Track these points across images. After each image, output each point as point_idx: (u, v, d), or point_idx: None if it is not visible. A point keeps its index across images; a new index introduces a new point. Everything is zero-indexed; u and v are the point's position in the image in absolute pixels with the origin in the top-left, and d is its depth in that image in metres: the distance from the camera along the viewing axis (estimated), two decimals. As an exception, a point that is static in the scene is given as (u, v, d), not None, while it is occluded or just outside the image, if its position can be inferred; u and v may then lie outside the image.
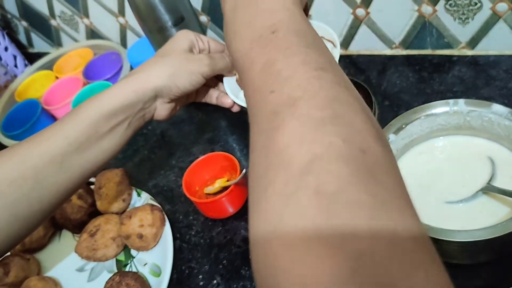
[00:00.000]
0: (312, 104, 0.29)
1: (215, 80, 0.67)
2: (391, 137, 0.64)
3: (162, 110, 0.62)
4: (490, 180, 0.60)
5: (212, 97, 0.69)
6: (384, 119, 0.65)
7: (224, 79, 0.66)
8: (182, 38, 0.62)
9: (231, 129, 0.92)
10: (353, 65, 0.91)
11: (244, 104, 0.62)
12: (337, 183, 0.25)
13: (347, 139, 0.27)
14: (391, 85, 0.85)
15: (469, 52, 0.83)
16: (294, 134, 0.28)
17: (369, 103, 0.74)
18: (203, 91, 0.68)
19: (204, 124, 0.96)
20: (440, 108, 0.65)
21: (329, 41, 0.64)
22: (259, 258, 0.26)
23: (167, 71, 0.58)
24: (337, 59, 0.60)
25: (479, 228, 0.52)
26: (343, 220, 0.24)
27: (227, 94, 0.65)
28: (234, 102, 0.64)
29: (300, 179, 0.26)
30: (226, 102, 0.67)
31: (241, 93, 0.65)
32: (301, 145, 0.27)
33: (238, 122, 0.92)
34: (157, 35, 0.87)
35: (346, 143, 0.27)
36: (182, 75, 0.58)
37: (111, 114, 0.56)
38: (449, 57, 0.84)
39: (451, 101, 0.64)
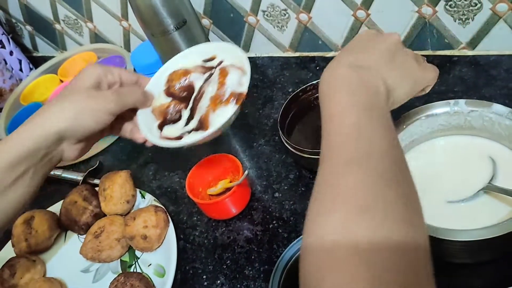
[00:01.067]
0: (377, 164, 0.39)
1: (130, 112, 0.63)
2: (392, 137, 0.65)
3: (71, 151, 0.58)
4: (491, 180, 0.61)
5: (126, 131, 0.65)
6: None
7: (139, 112, 0.63)
8: (87, 74, 0.59)
9: (234, 131, 0.92)
10: (355, 66, 0.92)
11: (157, 142, 0.61)
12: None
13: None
14: (393, 85, 0.85)
15: (470, 52, 0.83)
16: (358, 182, 0.38)
17: (371, 104, 0.75)
18: (118, 124, 0.64)
19: (207, 126, 0.96)
20: (440, 108, 0.65)
21: (238, 68, 0.62)
22: (306, 263, 0.36)
23: (69, 112, 0.55)
24: (246, 86, 0.60)
25: (481, 228, 0.52)
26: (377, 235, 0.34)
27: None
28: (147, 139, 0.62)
29: (356, 216, 0.35)
30: (137, 138, 0.64)
31: (155, 124, 0.63)
32: (362, 189, 0.37)
33: (242, 124, 0.93)
34: (160, 38, 0.88)
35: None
36: (86, 115, 0.55)
37: (11, 167, 0.53)
38: (450, 57, 0.84)
39: (451, 101, 0.65)
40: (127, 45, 1.23)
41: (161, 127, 0.64)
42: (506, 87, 0.76)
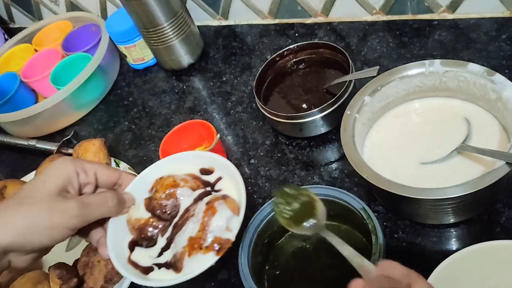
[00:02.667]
0: None
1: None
2: (366, 99, 0.63)
3: (19, 262, 0.49)
4: (465, 140, 0.60)
5: (93, 239, 0.55)
6: (362, 85, 0.65)
7: (111, 220, 0.54)
8: (55, 174, 0.50)
9: (212, 99, 0.91)
10: (334, 32, 0.90)
11: (121, 271, 0.51)
12: None
13: None
14: (371, 50, 0.83)
15: (450, 16, 0.81)
16: None
17: (348, 68, 0.73)
18: (85, 229, 0.53)
19: (185, 94, 0.94)
20: (415, 69, 0.64)
21: (230, 205, 0.52)
22: None
23: (18, 226, 0.46)
24: (234, 233, 0.50)
25: (452, 186, 0.51)
26: None
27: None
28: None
29: None
30: (103, 253, 0.54)
31: (127, 240, 0.55)
32: None
33: (219, 91, 0.91)
34: (133, 2, 0.86)
35: None
36: (39, 231, 0.46)
37: None
38: (430, 21, 0.83)
39: (426, 61, 0.63)
40: (104, 13, 1.20)
41: (132, 246, 0.55)
42: (485, 49, 0.75)
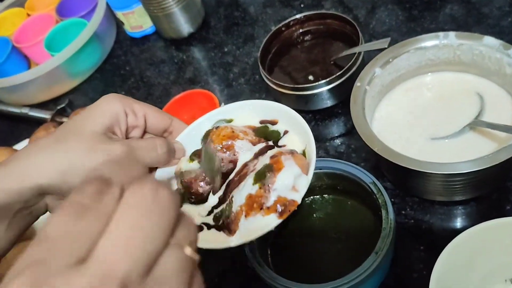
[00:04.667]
0: None
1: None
2: (377, 71, 0.61)
3: (57, 207, 0.44)
4: (478, 116, 0.58)
5: None
6: (371, 59, 0.62)
7: (158, 171, 0.49)
8: (101, 110, 0.44)
9: (213, 70, 0.88)
10: (341, 4, 0.87)
11: None
12: None
13: None
14: (380, 23, 0.81)
15: (462, -11, 0.79)
16: None
17: (356, 40, 0.71)
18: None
19: (185, 64, 0.91)
20: (429, 41, 0.62)
21: (299, 161, 0.44)
22: None
23: (56, 165, 0.41)
24: (301, 194, 0.43)
25: (464, 161, 0.50)
26: None
27: None
28: None
29: None
30: None
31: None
32: None
33: (221, 62, 0.88)
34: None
35: None
36: (79, 173, 0.41)
37: None
38: (441, -6, 0.80)
39: (441, 33, 0.61)
40: (100, -21, 1.15)
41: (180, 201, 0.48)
42: (497, 25, 0.73)
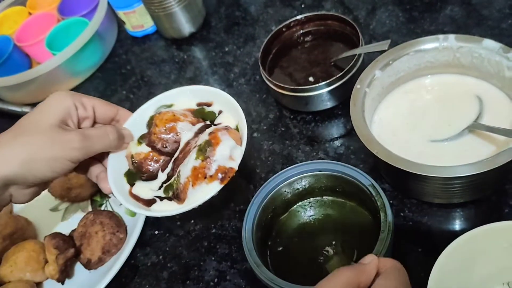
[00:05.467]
0: None
1: (100, 153, 0.53)
2: (377, 73, 0.61)
3: (20, 196, 0.49)
4: (477, 119, 0.58)
5: (92, 175, 0.55)
6: (371, 60, 0.62)
7: (110, 155, 0.55)
8: (54, 106, 0.49)
9: (213, 69, 0.88)
10: (341, 5, 0.87)
11: (124, 203, 0.52)
12: None
13: None
14: (380, 24, 0.81)
15: (463, -9, 0.79)
16: None
17: (357, 41, 0.71)
18: (84, 165, 0.53)
19: (186, 64, 0.92)
20: (429, 44, 0.62)
21: (233, 135, 0.52)
22: None
23: (20, 156, 0.45)
24: (237, 162, 0.50)
25: (463, 164, 0.50)
26: None
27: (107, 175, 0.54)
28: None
29: None
30: (104, 188, 0.53)
31: (123, 170, 0.55)
32: None
33: (222, 62, 0.88)
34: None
35: None
36: (41, 162, 0.46)
37: None
38: (442, -4, 0.80)
39: (441, 36, 0.61)
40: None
41: (133, 180, 0.56)
42: (497, 27, 0.73)
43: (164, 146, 0.55)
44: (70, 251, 0.65)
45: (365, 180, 0.54)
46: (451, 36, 0.61)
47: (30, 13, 1.07)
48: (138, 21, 0.97)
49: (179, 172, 0.52)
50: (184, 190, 0.51)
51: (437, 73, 0.64)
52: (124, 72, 0.96)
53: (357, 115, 0.58)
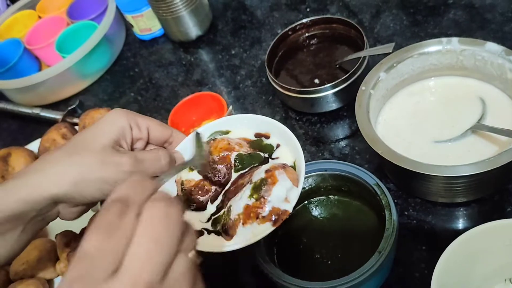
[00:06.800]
0: None
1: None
2: (382, 75, 0.63)
3: (67, 214, 0.49)
4: (480, 120, 0.60)
5: None
6: (375, 63, 0.64)
7: (161, 177, 0.50)
8: (109, 125, 0.48)
9: (220, 72, 0.89)
10: (346, 8, 0.89)
11: None
12: None
13: None
14: (384, 28, 0.82)
15: (466, -5, 0.80)
16: None
17: (361, 44, 0.72)
18: None
19: (193, 66, 0.93)
20: (433, 46, 0.63)
21: (290, 175, 0.48)
22: None
23: (70, 177, 0.45)
24: (292, 204, 0.47)
25: (466, 164, 0.51)
26: None
27: None
28: None
29: None
30: None
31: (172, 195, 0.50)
32: None
33: (228, 65, 0.90)
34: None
35: None
36: (91, 184, 0.46)
37: None
38: (445, 0, 0.81)
39: (444, 39, 0.63)
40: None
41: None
42: (500, 30, 0.74)
43: (216, 176, 0.53)
44: (81, 249, 0.66)
45: (370, 179, 0.56)
46: (455, 39, 0.62)
47: (39, 17, 1.09)
48: (146, 25, 0.99)
49: (230, 207, 0.50)
50: (234, 226, 0.49)
51: (441, 76, 0.65)
52: (132, 74, 0.98)
53: (362, 116, 0.59)
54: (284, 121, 0.77)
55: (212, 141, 0.54)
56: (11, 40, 1.04)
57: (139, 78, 0.96)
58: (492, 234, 0.50)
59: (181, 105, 0.77)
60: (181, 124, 0.77)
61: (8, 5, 1.25)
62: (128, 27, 1.04)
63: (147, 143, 0.53)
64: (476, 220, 0.58)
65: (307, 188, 0.61)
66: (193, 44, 0.96)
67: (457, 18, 0.78)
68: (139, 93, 0.93)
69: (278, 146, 0.54)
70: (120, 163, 0.46)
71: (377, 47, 0.70)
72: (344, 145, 0.70)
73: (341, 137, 0.72)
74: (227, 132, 0.57)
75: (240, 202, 0.49)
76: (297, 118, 0.76)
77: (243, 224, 0.48)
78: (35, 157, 0.83)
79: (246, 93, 0.84)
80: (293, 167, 0.51)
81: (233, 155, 0.53)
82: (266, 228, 0.47)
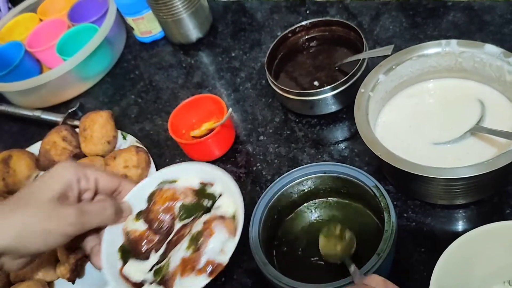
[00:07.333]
0: None
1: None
2: (381, 77, 0.63)
3: (11, 265, 0.49)
4: (478, 122, 0.60)
5: (87, 246, 0.55)
6: (374, 65, 0.64)
7: (107, 229, 0.55)
8: (56, 179, 0.50)
9: (220, 74, 0.90)
10: (346, 10, 0.89)
11: (111, 283, 0.52)
12: None
13: None
14: (384, 30, 0.83)
15: (465, -3, 0.81)
16: None
17: (361, 46, 0.73)
18: (80, 236, 0.53)
19: (193, 68, 0.93)
20: (432, 49, 0.63)
21: (227, 226, 0.52)
22: None
23: (14, 230, 0.46)
24: (228, 256, 0.51)
25: (465, 166, 0.51)
26: None
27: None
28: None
29: None
30: (95, 264, 0.54)
31: (118, 244, 0.55)
32: None
33: (228, 67, 0.90)
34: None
35: None
36: (35, 236, 0.46)
37: None
38: (444, 2, 0.82)
39: (443, 41, 0.63)
40: (110, -15, 1.18)
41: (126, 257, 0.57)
42: (499, 32, 0.74)
43: (160, 226, 0.56)
44: (81, 251, 0.66)
45: (369, 181, 0.56)
46: (454, 41, 0.62)
47: (41, 20, 1.10)
48: (147, 27, 0.99)
49: (169, 258, 0.53)
50: (173, 278, 0.52)
51: (440, 78, 0.66)
52: (133, 77, 0.98)
53: (361, 118, 0.59)
54: (284, 123, 0.77)
55: (158, 191, 0.58)
56: (12, 43, 1.04)
57: (139, 80, 0.96)
58: (491, 236, 0.50)
59: (181, 107, 0.77)
60: (181, 126, 0.78)
61: (9, 8, 1.25)
62: (129, 29, 1.05)
63: (96, 193, 0.55)
64: (475, 222, 0.58)
65: (306, 190, 0.61)
66: (193, 46, 0.97)
67: (456, 20, 0.79)
68: (139, 95, 0.93)
69: (220, 195, 0.57)
70: (64, 215, 0.48)
71: (377, 49, 0.70)
72: (343, 147, 0.70)
73: (341, 139, 0.72)
74: (174, 181, 0.60)
75: (178, 253, 0.52)
76: (297, 120, 0.76)
77: (181, 275, 0.51)
78: (35, 159, 0.83)
79: (246, 96, 0.84)
80: (233, 218, 0.54)
81: (178, 205, 0.56)
82: (203, 280, 0.50)
